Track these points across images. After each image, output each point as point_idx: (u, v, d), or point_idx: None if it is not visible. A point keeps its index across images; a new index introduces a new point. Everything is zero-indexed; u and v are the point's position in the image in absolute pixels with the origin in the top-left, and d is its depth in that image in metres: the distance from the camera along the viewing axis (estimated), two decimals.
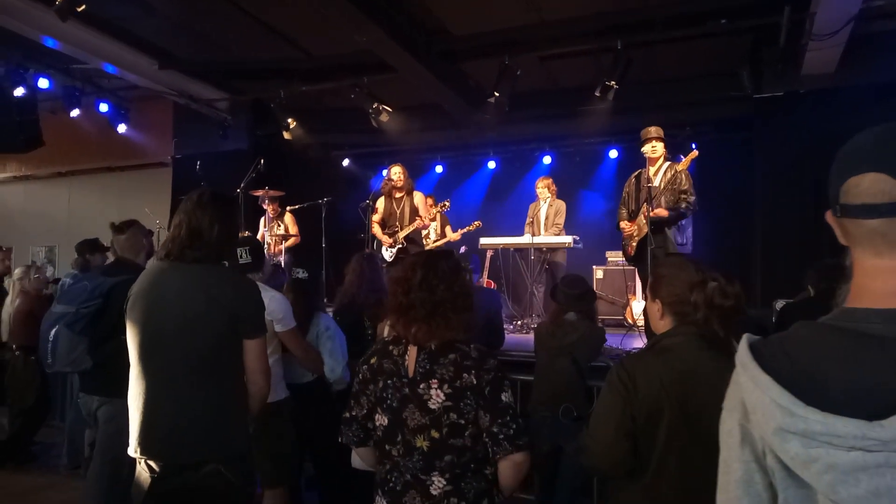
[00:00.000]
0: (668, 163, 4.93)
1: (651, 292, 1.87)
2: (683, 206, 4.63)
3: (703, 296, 1.71)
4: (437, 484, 1.74)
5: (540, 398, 3.27)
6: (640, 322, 6.57)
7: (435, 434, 1.74)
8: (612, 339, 4.96)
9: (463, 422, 1.74)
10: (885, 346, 0.80)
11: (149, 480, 2.05)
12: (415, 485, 1.76)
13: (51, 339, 3.04)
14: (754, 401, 0.87)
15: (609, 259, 7.49)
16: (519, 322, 6.59)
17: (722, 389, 1.58)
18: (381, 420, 1.83)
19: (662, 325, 1.83)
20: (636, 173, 5.14)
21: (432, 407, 1.74)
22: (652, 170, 4.93)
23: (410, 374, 1.79)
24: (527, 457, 1.76)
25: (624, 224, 5.08)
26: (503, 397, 1.76)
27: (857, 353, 0.82)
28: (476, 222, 7.32)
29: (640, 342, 5.31)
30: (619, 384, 1.67)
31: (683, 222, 4.73)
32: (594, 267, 7.36)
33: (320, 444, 3.11)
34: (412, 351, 1.82)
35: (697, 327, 1.73)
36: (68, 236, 9.33)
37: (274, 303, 2.91)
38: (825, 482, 0.79)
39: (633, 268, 7.04)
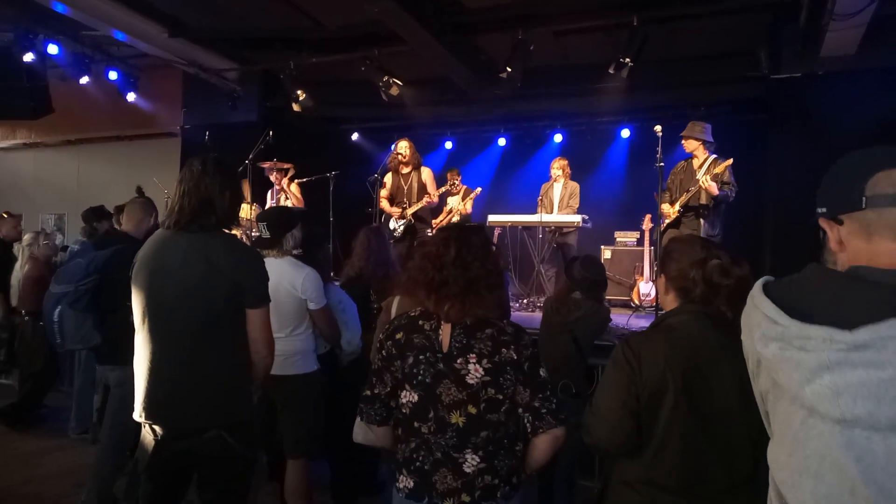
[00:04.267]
0: (713, 157, 5.41)
1: (660, 267, 1.88)
2: (727, 190, 5.24)
3: (701, 273, 1.73)
4: (471, 462, 1.70)
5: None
6: (647, 303, 6.56)
7: (472, 409, 1.70)
8: (619, 320, 4.95)
9: (501, 397, 1.72)
10: (879, 289, 0.94)
11: (153, 444, 2.07)
12: (446, 463, 1.72)
13: (56, 320, 3.07)
14: (752, 320, 1.05)
15: (618, 239, 7.45)
16: (525, 300, 6.58)
17: (725, 370, 1.60)
18: (410, 397, 1.77)
19: (668, 300, 1.84)
20: (683, 164, 5.66)
21: (470, 382, 1.71)
22: (696, 162, 5.49)
23: (445, 349, 1.75)
24: (565, 431, 1.76)
25: (665, 206, 5.52)
26: (541, 372, 1.76)
27: (849, 290, 0.97)
28: (478, 188, 7.29)
29: (646, 323, 5.30)
30: (624, 362, 1.66)
31: (717, 218, 5.34)
32: (602, 247, 7.34)
33: (331, 415, 3.13)
34: (446, 326, 1.78)
35: (703, 306, 1.72)
36: (77, 204, 9.35)
37: (308, 281, 2.92)
38: (794, 380, 0.94)
39: (640, 249, 7.05)
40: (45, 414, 5.39)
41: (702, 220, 5.29)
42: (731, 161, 5.25)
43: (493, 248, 1.90)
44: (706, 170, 5.30)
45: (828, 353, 0.89)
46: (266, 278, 2.16)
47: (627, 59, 5.64)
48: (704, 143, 5.46)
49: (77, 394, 4.88)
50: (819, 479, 0.93)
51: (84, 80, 7.37)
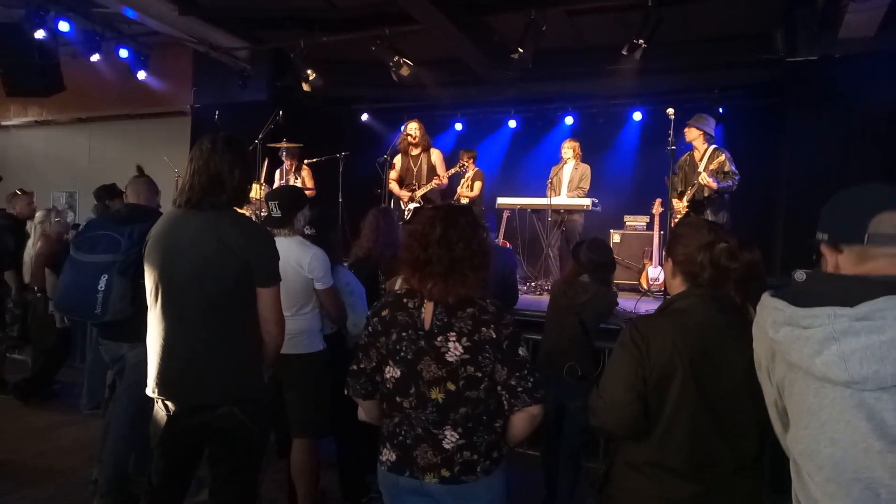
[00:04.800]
0: (712, 147, 5.59)
1: (667, 251, 1.88)
2: (729, 181, 5.40)
3: (709, 256, 1.72)
4: (450, 438, 1.75)
5: (545, 356, 3.29)
6: (655, 287, 6.55)
7: (451, 386, 1.75)
8: (627, 304, 4.95)
9: (479, 374, 1.75)
10: (874, 281, 1.08)
11: (165, 419, 2.11)
12: (426, 438, 1.77)
13: (102, 289, 2.95)
14: (762, 318, 1.19)
15: (627, 223, 7.41)
16: (533, 283, 6.58)
17: (733, 353, 1.60)
18: (393, 372, 1.82)
19: (675, 284, 1.84)
20: (686, 157, 5.81)
21: (449, 359, 1.75)
22: (697, 155, 5.67)
23: (427, 326, 1.79)
24: (541, 409, 1.80)
25: (675, 202, 5.69)
26: (520, 351, 1.79)
27: (849, 282, 1.11)
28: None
29: (654, 307, 5.29)
30: (632, 345, 1.66)
31: (723, 206, 5.52)
32: (611, 231, 7.30)
33: (338, 394, 3.16)
34: (428, 305, 1.81)
35: (712, 289, 1.72)
36: (88, 182, 9.39)
37: (315, 261, 2.93)
38: (805, 354, 1.06)
39: (650, 233, 7.01)
40: (58, 389, 5.47)
41: (707, 211, 5.48)
42: (724, 157, 5.41)
43: (481, 230, 1.92)
44: (706, 163, 5.51)
45: (833, 326, 1.02)
46: (277, 257, 2.17)
47: (641, 41, 5.58)
48: (704, 133, 5.61)
49: (88, 370, 4.93)
50: (834, 443, 1.03)
51: (95, 57, 7.36)
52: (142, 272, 3.01)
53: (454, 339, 1.75)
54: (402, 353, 1.80)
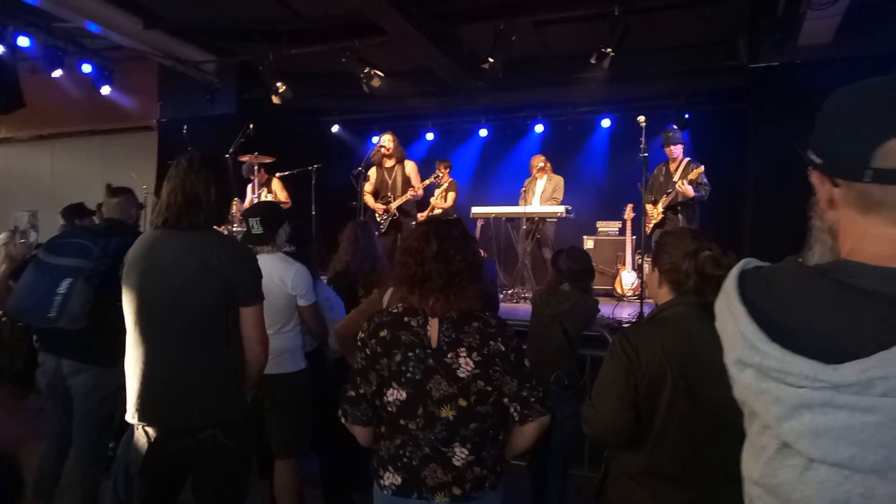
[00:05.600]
0: (687, 159, 6.02)
1: (652, 260, 1.90)
2: (702, 192, 5.84)
3: (694, 264, 1.75)
4: (460, 455, 1.72)
5: (531, 366, 3.29)
6: (629, 292, 6.63)
7: (462, 402, 1.72)
8: (604, 309, 4.99)
9: (490, 388, 1.74)
10: (875, 300, 0.78)
11: (146, 446, 2.05)
12: (435, 457, 1.73)
13: (62, 292, 2.82)
14: (725, 328, 0.90)
15: (599, 229, 7.50)
16: (509, 291, 6.61)
17: (721, 360, 1.60)
18: (397, 395, 1.76)
19: (661, 293, 1.86)
20: (661, 167, 6.21)
21: (461, 375, 1.72)
22: (673, 165, 6.06)
23: (434, 344, 1.75)
24: (550, 419, 1.80)
25: (649, 207, 6.06)
26: (526, 362, 1.80)
27: (839, 303, 0.81)
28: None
29: (631, 312, 5.36)
30: (622, 354, 1.67)
31: (693, 214, 5.94)
32: (584, 237, 7.38)
33: (319, 412, 3.11)
34: (433, 322, 1.78)
35: (698, 297, 1.74)
36: (51, 201, 9.15)
37: (298, 277, 2.90)
38: (772, 414, 0.82)
39: (622, 238, 7.11)
40: (25, 415, 5.28)
41: (680, 216, 5.90)
42: (702, 168, 5.80)
43: (472, 240, 1.92)
44: (681, 174, 5.90)
45: (809, 392, 0.78)
46: (259, 276, 2.14)
47: (609, 50, 5.67)
48: (684, 146, 6.08)
49: None
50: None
51: (57, 73, 7.19)
52: (108, 285, 2.85)
53: (465, 354, 1.73)
54: (408, 374, 1.74)
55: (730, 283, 0.91)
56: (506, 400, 1.78)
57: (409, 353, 1.75)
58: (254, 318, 2.11)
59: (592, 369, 3.66)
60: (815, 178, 0.90)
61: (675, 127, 6.45)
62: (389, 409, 1.78)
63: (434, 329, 1.77)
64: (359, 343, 1.85)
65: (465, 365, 1.72)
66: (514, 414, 1.77)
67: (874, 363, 0.74)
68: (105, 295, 2.88)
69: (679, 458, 1.61)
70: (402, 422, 1.76)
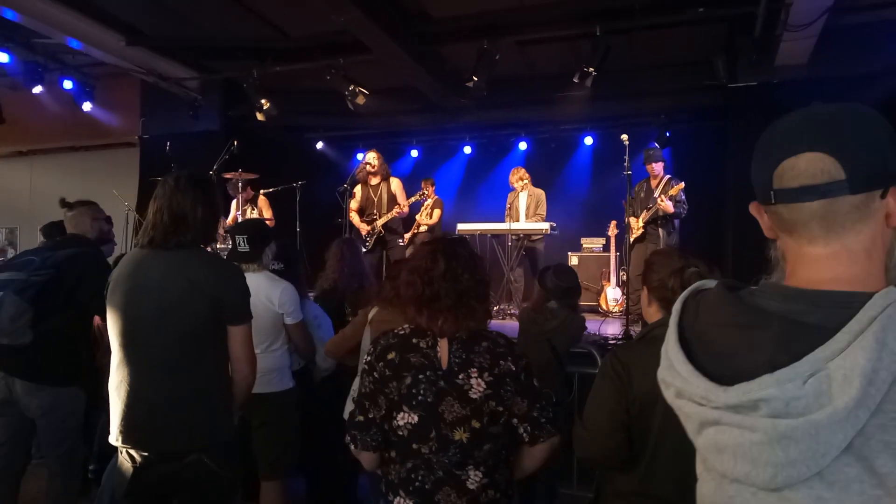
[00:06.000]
0: (667, 176, 6.16)
1: (642, 279, 1.92)
2: (681, 209, 6.03)
3: (679, 281, 1.76)
4: (474, 478, 1.67)
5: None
6: (614, 308, 6.67)
7: (476, 424, 1.68)
8: (591, 326, 5.01)
9: (501, 409, 1.70)
10: (773, 321, 0.80)
11: (131, 470, 2.00)
12: (448, 480, 1.67)
13: None
14: (664, 349, 0.94)
15: (584, 246, 7.56)
16: (496, 308, 6.61)
17: None
18: (409, 419, 1.70)
19: (651, 312, 1.87)
20: (642, 183, 6.35)
21: (473, 396, 1.68)
22: (654, 182, 6.20)
23: (444, 365, 1.71)
24: (560, 439, 1.76)
25: (631, 220, 6.11)
26: (535, 382, 1.77)
27: (743, 325, 0.84)
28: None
29: (617, 328, 5.39)
30: (613, 374, 1.68)
31: (673, 231, 6.10)
32: (569, 253, 7.43)
33: (306, 432, 3.08)
34: (443, 342, 1.74)
35: None
36: (31, 218, 9.03)
37: (286, 295, 2.88)
38: (689, 430, 0.89)
39: (606, 255, 7.17)
40: None
41: (660, 230, 6.04)
42: (682, 185, 5.94)
43: (479, 258, 1.90)
44: (662, 190, 6.06)
45: (707, 411, 0.82)
46: (248, 294, 2.12)
47: (591, 69, 5.75)
48: (664, 163, 6.24)
49: None
50: None
51: (37, 89, 7.11)
52: (49, 298, 2.80)
53: (476, 375, 1.69)
54: (420, 397, 1.69)
55: (676, 306, 0.95)
56: (515, 420, 1.73)
57: (420, 376, 1.70)
58: (242, 337, 2.09)
59: (580, 386, 3.66)
60: (752, 209, 0.93)
61: (656, 145, 6.58)
62: (400, 432, 1.72)
63: (444, 350, 1.73)
64: (365, 367, 1.80)
65: (477, 386, 1.68)
66: (525, 434, 1.73)
67: (755, 386, 0.76)
68: (48, 308, 2.82)
69: (672, 479, 1.60)
70: (414, 445, 1.70)
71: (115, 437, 2.02)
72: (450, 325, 1.73)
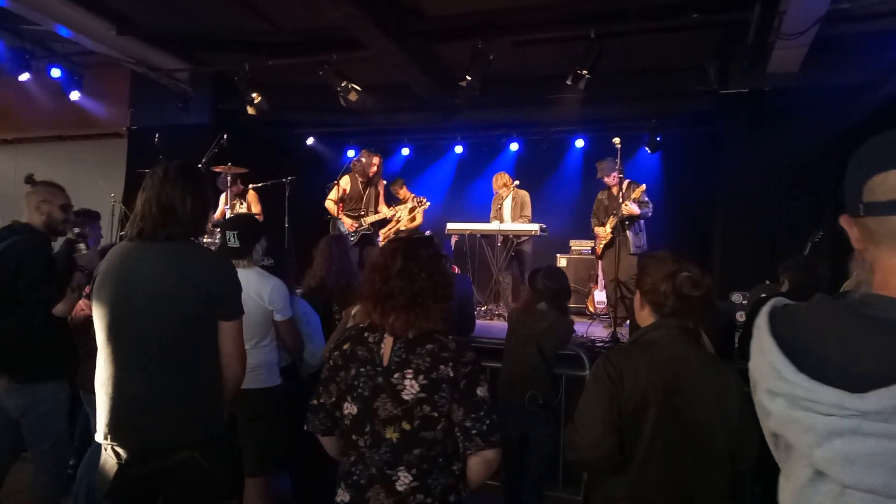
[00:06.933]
0: (627, 180, 6.21)
1: (635, 283, 1.91)
2: (646, 209, 6.15)
3: (671, 285, 1.76)
4: (403, 480, 1.68)
5: (506, 385, 3.29)
6: (601, 310, 6.69)
7: (406, 426, 1.68)
8: (579, 328, 5.02)
9: (436, 415, 1.69)
10: (894, 331, 0.83)
11: (115, 468, 1.96)
12: (379, 479, 1.70)
13: None
14: (756, 364, 0.94)
15: (573, 248, 7.57)
16: (483, 308, 6.60)
17: (703, 383, 1.62)
18: (350, 409, 1.76)
19: (643, 315, 1.87)
20: (604, 192, 6.50)
21: (405, 398, 1.69)
22: (615, 189, 6.23)
23: (385, 362, 1.73)
24: (498, 454, 1.71)
25: (598, 229, 6.41)
26: (479, 391, 1.71)
27: (861, 334, 0.85)
28: (426, 203, 7.05)
29: (605, 331, 5.41)
30: (606, 378, 1.67)
31: (640, 231, 6.22)
32: (558, 255, 7.44)
33: (293, 428, 3.05)
34: (388, 339, 1.76)
35: (678, 319, 1.76)
36: (15, 208, 8.87)
37: (276, 292, 2.87)
38: (805, 442, 0.85)
39: (594, 257, 7.19)
40: None
41: (628, 232, 6.10)
42: (644, 187, 6.06)
43: (443, 260, 1.90)
44: (625, 193, 6.12)
45: (838, 420, 0.81)
46: (239, 289, 2.09)
47: (584, 72, 5.75)
48: (619, 172, 6.08)
49: None
50: None
51: (24, 76, 7.00)
52: None
53: (411, 376, 1.69)
54: (359, 390, 1.74)
55: (761, 320, 0.95)
56: (456, 429, 1.71)
57: (362, 369, 1.75)
58: (233, 332, 2.06)
59: (568, 388, 3.66)
60: (842, 221, 0.97)
61: (609, 158, 6.28)
62: (346, 422, 1.79)
63: (388, 347, 1.75)
64: (326, 353, 1.87)
65: (410, 387, 1.69)
66: (460, 444, 1.71)
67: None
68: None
69: (663, 483, 1.61)
70: (353, 437, 1.77)
71: (101, 434, 1.98)
72: (401, 323, 1.74)
